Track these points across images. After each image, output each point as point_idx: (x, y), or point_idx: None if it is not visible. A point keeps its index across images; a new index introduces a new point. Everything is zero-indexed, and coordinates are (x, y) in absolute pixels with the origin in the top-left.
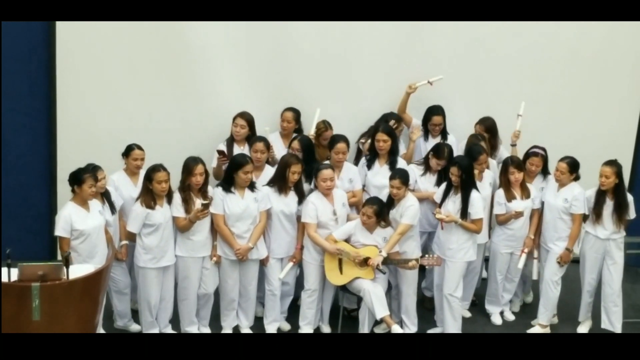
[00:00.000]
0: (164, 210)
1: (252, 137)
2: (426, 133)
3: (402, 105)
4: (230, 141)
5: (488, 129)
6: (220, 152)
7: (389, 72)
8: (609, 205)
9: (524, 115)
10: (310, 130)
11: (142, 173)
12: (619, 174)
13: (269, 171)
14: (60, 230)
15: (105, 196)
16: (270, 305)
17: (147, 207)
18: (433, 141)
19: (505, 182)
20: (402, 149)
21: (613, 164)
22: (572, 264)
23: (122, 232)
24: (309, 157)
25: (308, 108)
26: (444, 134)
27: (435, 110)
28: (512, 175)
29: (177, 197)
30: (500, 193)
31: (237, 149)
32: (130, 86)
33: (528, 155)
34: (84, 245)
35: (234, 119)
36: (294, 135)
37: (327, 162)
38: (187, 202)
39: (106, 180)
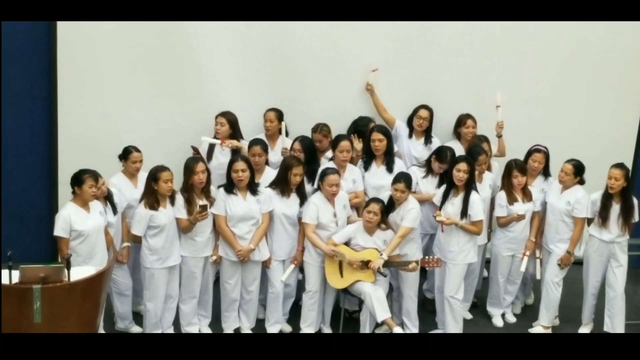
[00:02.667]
0: (167, 211)
1: (234, 137)
2: (411, 130)
3: (377, 106)
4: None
5: (476, 124)
6: (193, 148)
7: (386, 73)
8: (615, 209)
9: (502, 105)
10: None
11: (141, 174)
12: (627, 176)
13: (269, 173)
14: (59, 230)
15: (107, 197)
16: (272, 307)
17: (150, 209)
18: (417, 141)
19: (507, 185)
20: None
21: (622, 166)
22: (573, 265)
23: (124, 233)
24: (311, 158)
25: (308, 108)
26: (428, 135)
27: (423, 106)
28: (516, 178)
29: (179, 198)
30: (502, 195)
31: (218, 149)
32: (131, 87)
33: (530, 152)
34: (83, 246)
35: (216, 117)
36: (297, 136)
37: (331, 164)
38: (189, 203)
39: (106, 185)
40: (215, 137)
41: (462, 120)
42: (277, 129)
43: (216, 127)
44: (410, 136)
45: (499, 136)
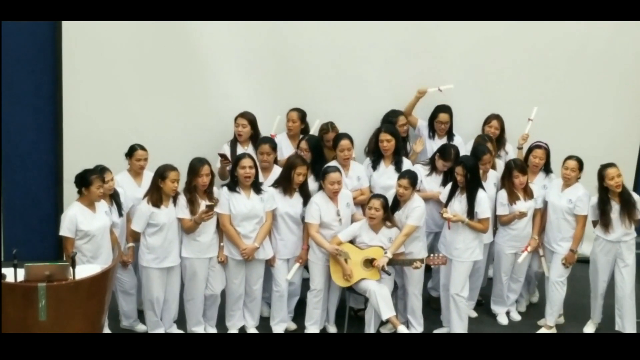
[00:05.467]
0: (168, 211)
1: (256, 137)
2: (432, 131)
3: (409, 107)
4: (234, 142)
5: (502, 125)
6: (221, 155)
7: (394, 72)
8: (615, 209)
9: (534, 120)
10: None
11: (146, 173)
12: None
13: (278, 172)
14: (65, 230)
15: (113, 197)
16: (278, 306)
17: (153, 205)
18: (439, 141)
19: (508, 185)
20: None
21: (614, 165)
22: (577, 263)
23: (129, 234)
24: (318, 157)
25: (314, 108)
26: (450, 134)
27: (443, 109)
28: (517, 178)
29: (182, 199)
30: (503, 194)
31: (241, 150)
32: (136, 86)
33: (531, 149)
34: (89, 246)
35: (236, 119)
36: (301, 135)
37: (333, 162)
38: (192, 204)
39: (114, 181)
40: (236, 139)
41: (488, 120)
42: (300, 129)
43: (237, 128)
44: (432, 137)
45: (520, 148)
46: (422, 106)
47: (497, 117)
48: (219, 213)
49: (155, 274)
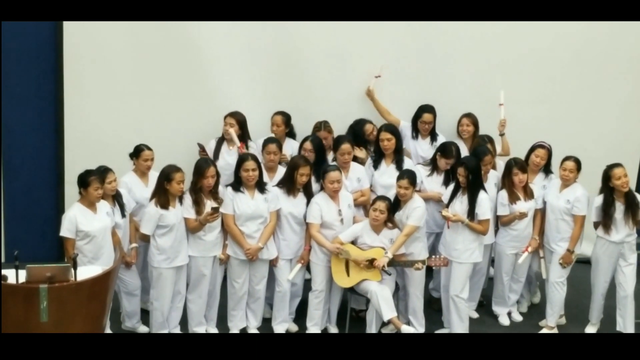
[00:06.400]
0: (176, 211)
1: (244, 138)
2: (416, 132)
3: (380, 110)
4: (221, 140)
5: (474, 121)
6: (199, 146)
7: (393, 73)
8: (620, 210)
9: (506, 103)
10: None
11: (152, 173)
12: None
13: (283, 172)
14: (64, 231)
15: (116, 198)
16: (279, 306)
17: (161, 208)
18: (422, 141)
19: (508, 185)
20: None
21: (621, 165)
22: (579, 264)
23: (132, 234)
24: (321, 158)
25: (313, 109)
26: (433, 134)
27: (426, 108)
28: (516, 176)
29: (187, 199)
30: (503, 194)
31: (225, 148)
32: (138, 87)
33: (533, 148)
34: (90, 247)
35: (225, 117)
36: (307, 135)
37: (333, 163)
38: (198, 204)
39: (117, 182)
40: (223, 137)
41: (459, 120)
42: (284, 133)
43: (225, 127)
44: (415, 137)
45: (502, 134)
46: (405, 107)
47: (467, 115)
48: (223, 213)
49: (167, 274)
